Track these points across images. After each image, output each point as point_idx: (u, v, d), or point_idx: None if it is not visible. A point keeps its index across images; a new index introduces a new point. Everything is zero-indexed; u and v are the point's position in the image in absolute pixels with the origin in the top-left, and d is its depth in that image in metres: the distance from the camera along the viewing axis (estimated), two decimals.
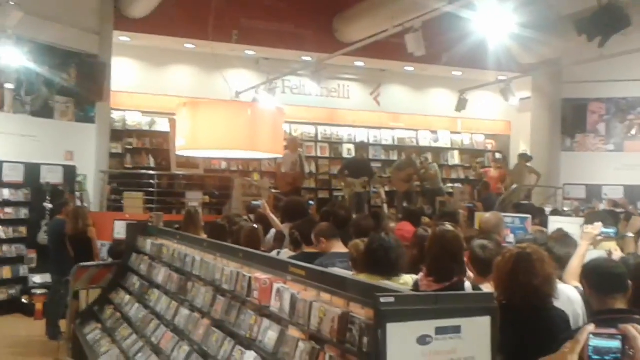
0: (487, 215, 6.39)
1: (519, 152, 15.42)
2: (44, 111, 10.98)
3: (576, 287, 3.86)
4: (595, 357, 1.64)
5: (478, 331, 2.26)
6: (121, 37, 12.61)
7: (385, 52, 13.06)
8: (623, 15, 8.07)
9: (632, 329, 1.60)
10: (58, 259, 8.65)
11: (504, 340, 2.37)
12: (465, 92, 14.18)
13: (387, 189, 14.65)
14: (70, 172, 10.97)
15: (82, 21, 11.43)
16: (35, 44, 10.46)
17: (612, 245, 4.63)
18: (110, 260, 7.74)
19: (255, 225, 6.40)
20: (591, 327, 1.67)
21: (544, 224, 6.98)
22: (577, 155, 15.11)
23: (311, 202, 11.85)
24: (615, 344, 1.63)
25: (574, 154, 15.14)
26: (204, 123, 9.21)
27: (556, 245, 4.43)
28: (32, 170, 10.52)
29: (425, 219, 7.59)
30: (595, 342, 1.65)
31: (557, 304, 3.40)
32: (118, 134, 13.65)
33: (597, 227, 4.51)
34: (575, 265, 4.18)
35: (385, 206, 13.30)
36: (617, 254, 4.55)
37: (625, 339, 1.62)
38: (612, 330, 1.65)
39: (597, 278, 3.15)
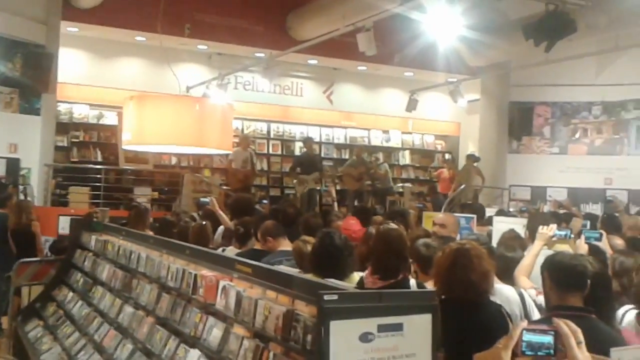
0: (441, 216, 6.42)
1: (467, 153, 15.71)
2: None
3: (515, 288, 3.96)
4: (529, 352, 1.68)
5: (419, 328, 2.30)
6: (69, 28, 12.30)
7: (338, 50, 13.12)
8: (569, 21, 8.32)
9: (563, 325, 1.66)
10: (1, 254, 8.41)
11: (444, 334, 2.41)
12: (415, 92, 14.37)
13: (338, 187, 14.72)
14: (13, 165, 10.67)
15: (29, 10, 11.11)
16: None
17: (566, 247, 4.76)
18: (51, 256, 7.55)
19: (204, 222, 6.34)
20: (524, 323, 1.72)
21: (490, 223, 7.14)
22: (523, 157, 15.49)
23: (264, 201, 11.80)
24: (548, 339, 1.68)
25: (520, 156, 15.51)
26: (150, 117, 9.10)
27: (506, 247, 4.56)
28: None
29: (378, 218, 7.65)
30: (528, 337, 1.70)
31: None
32: (64, 127, 13.33)
33: (552, 229, 4.65)
34: (527, 263, 4.30)
35: (335, 204, 13.36)
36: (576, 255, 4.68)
37: (557, 334, 1.68)
38: (545, 326, 1.70)
39: (560, 273, 3.18)
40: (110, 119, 13.74)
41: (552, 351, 1.66)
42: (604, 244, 4.95)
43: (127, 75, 13.84)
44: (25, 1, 11.07)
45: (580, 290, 3.12)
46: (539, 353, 1.67)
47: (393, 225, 3.93)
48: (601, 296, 3.25)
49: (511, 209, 12.01)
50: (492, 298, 3.37)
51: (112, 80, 13.65)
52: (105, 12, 12.12)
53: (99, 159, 13.61)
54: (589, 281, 3.14)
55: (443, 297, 3.12)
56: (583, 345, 1.64)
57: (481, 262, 3.29)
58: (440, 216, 6.39)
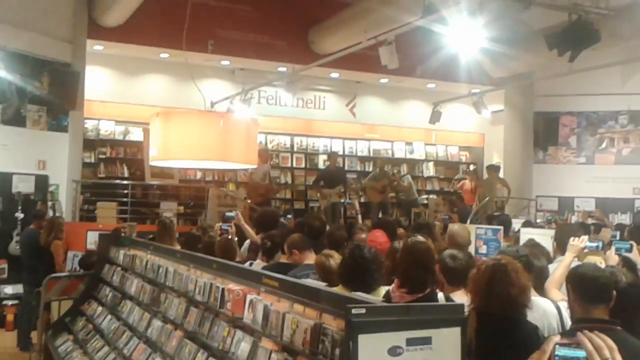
0: (456, 227, 6.37)
1: (490, 164, 15.61)
2: (16, 120, 10.82)
3: (552, 301, 3.92)
4: None
5: (448, 342, 2.29)
6: (95, 46, 12.51)
7: (360, 63, 13.15)
8: (593, 30, 8.25)
9: (587, 342, 1.65)
10: (30, 270, 8.55)
11: (479, 350, 2.39)
12: (438, 104, 14.35)
13: (362, 199, 14.71)
14: (42, 182, 10.84)
15: (55, 29, 11.32)
16: (6, 52, 10.33)
17: (598, 259, 4.71)
18: (80, 271, 7.65)
19: (230, 237, 6.38)
20: (557, 338, 1.71)
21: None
22: (549, 167, 15.34)
23: (289, 215, 11.84)
24: (582, 353, 1.67)
25: (546, 166, 15.37)
26: (175, 133, 9.14)
27: (530, 255, 4.50)
28: (4, 180, 10.37)
29: (401, 230, 7.61)
30: (562, 352, 1.70)
31: (533, 316, 3.44)
32: (91, 143, 13.52)
33: (583, 240, 4.60)
34: (558, 274, 4.25)
35: (359, 217, 13.35)
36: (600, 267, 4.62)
37: None
38: (578, 340, 1.69)
39: (583, 285, 3.15)
40: (136, 135, 13.91)
41: None
42: (634, 255, 4.89)
43: (152, 92, 14.02)
44: (51, 21, 11.28)
45: (604, 303, 3.08)
46: None
47: (420, 238, 3.92)
48: (633, 307, 3.21)
49: (539, 220, 11.89)
50: (529, 311, 3.33)
51: (138, 96, 13.84)
52: (129, 30, 12.31)
53: (126, 174, 13.76)
54: (614, 293, 3.10)
55: (481, 311, 3.10)
56: None
57: (519, 276, 3.24)
58: (455, 228, 6.35)
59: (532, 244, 4.85)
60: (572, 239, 4.65)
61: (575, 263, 4.37)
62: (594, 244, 4.72)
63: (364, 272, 3.88)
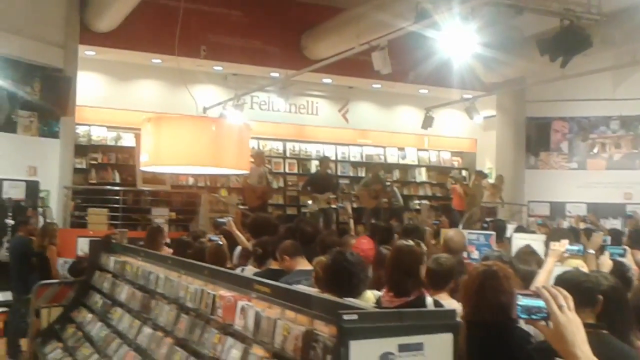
0: (451, 232, 6.40)
1: (482, 169, 15.65)
2: (7, 126, 10.76)
3: None
4: (523, 315, 1.79)
5: (440, 348, 2.27)
6: (87, 51, 12.47)
7: (352, 69, 13.15)
8: (584, 36, 8.28)
9: (544, 290, 1.78)
10: (20, 277, 8.50)
11: (472, 357, 2.37)
12: (431, 109, 14.36)
13: (354, 205, 14.68)
14: (33, 188, 10.77)
15: (47, 35, 11.28)
16: None
17: (579, 263, 4.70)
18: (70, 278, 7.60)
19: (221, 242, 6.34)
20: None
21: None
22: (541, 172, 15.38)
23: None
24: (542, 303, 1.79)
25: (538, 172, 15.41)
26: (167, 139, 9.07)
27: (521, 261, 4.50)
28: None
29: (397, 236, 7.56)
30: (524, 301, 1.80)
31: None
32: (83, 149, 13.45)
33: (564, 244, 4.59)
34: (541, 280, 4.24)
35: (351, 222, 13.32)
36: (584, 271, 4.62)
37: None
38: (537, 292, 1.84)
39: (568, 291, 3.14)
40: (127, 140, 13.87)
41: (546, 314, 1.77)
42: (628, 260, 4.88)
43: (144, 97, 13.98)
44: (43, 26, 11.24)
45: (589, 307, 3.06)
46: (533, 317, 1.78)
47: (408, 242, 3.92)
48: (615, 311, 3.19)
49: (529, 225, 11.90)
50: None
51: (130, 102, 13.79)
52: (121, 35, 12.28)
53: (117, 180, 13.70)
54: (600, 297, 3.09)
55: (470, 320, 3.08)
56: (566, 308, 1.75)
57: (510, 282, 3.22)
58: (450, 233, 6.37)
59: (529, 251, 4.84)
60: (552, 243, 4.64)
61: (559, 267, 4.36)
62: (575, 248, 4.72)
63: (349, 276, 3.83)
